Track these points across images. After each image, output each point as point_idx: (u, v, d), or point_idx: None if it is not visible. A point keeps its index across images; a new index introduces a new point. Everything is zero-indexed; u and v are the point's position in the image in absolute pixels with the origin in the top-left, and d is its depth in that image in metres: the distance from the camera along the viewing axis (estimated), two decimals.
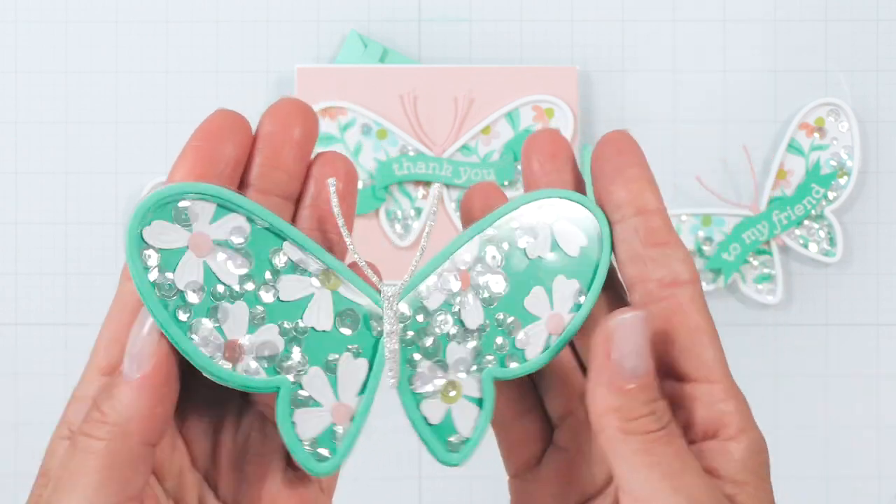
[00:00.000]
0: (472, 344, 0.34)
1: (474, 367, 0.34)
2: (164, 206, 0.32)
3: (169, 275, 0.32)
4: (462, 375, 0.34)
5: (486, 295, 0.35)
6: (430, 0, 0.77)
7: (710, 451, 0.32)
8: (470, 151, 0.75)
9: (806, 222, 0.76)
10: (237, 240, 0.32)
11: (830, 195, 0.76)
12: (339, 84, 0.75)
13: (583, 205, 0.34)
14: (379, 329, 0.34)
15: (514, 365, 0.35)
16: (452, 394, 0.34)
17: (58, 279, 0.77)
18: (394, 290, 0.34)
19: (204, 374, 0.32)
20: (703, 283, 0.76)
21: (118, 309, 0.32)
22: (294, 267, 0.33)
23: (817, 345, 0.78)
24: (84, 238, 0.77)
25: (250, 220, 0.32)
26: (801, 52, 0.77)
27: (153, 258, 0.31)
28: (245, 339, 0.32)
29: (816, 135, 0.77)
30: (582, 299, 0.35)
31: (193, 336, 0.31)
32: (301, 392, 0.33)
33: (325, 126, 0.75)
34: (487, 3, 0.77)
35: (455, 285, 0.35)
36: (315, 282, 0.33)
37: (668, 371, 0.33)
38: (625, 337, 0.31)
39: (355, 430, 0.33)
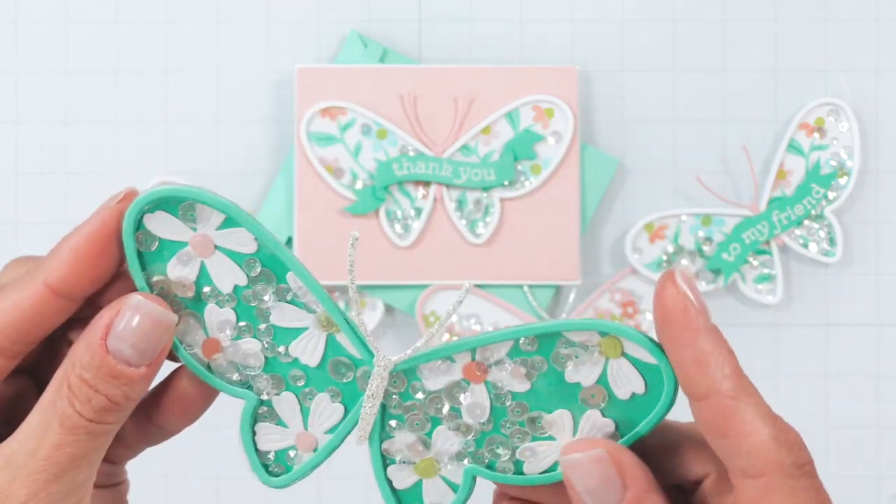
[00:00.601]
0: (465, 436, 0.33)
1: (459, 458, 0.33)
2: (171, 202, 0.32)
3: (161, 265, 0.32)
4: (445, 458, 0.33)
5: (499, 396, 0.33)
6: (430, 0, 0.77)
7: None
8: (470, 151, 0.75)
9: (806, 222, 0.76)
10: (241, 252, 0.32)
11: (830, 195, 0.76)
12: (339, 84, 0.75)
13: (653, 353, 0.31)
14: (363, 389, 0.33)
15: (505, 472, 0.33)
16: (428, 470, 0.34)
17: None
18: (387, 362, 0.32)
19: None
20: (703, 284, 0.76)
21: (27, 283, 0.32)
22: (293, 297, 0.33)
23: (817, 345, 0.78)
24: None
25: (258, 241, 0.32)
26: (801, 52, 0.77)
27: (151, 243, 0.32)
28: (227, 343, 0.33)
29: (816, 135, 0.77)
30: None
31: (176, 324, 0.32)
32: (267, 409, 0.34)
33: (325, 126, 0.75)
34: (487, 3, 0.77)
35: (467, 376, 0.33)
36: (312, 319, 0.33)
37: None
38: (580, 468, 0.31)
39: (315, 462, 0.34)
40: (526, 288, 0.76)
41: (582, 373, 0.32)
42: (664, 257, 0.76)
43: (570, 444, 0.32)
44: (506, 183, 0.75)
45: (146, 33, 0.77)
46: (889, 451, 0.77)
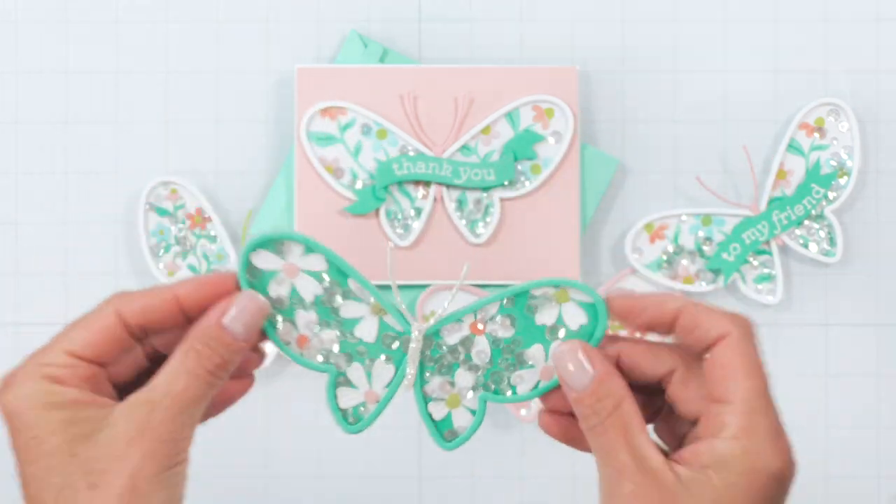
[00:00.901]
0: (476, 373, 0.47)
1: (475, 389, 0.48)
2: (268, 242, 0.45)
3: (263, 288, 0.46)
4: (465, 392, 0.48)
5: (495, 342, 0.47)
6: (430, 0, 0.77)
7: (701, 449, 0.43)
8: (470, 151, 0.75)
9: (806, 222, 0.76)
10: (317, 270, 0.46)
11: (830, 195, 0.76)
12: (339, 84, 0.75)
13: (589, 294, 0.46)
14: (406, 351, 0.47)
15: (507, 394, 0.47)
16: (454, 402, 0.48)
17: (57, 279, 0.77)
18: (421, 328, 0.46)
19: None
20: (703, 283, 0.76)
21: (98, 319, 0.44)
22: (354, 296, 0.47)
23: (817, 345, 0.78)
24: (84, 238, 0.77)
25: (328, 260, 0.46)
26: (801, 52, 0.77)
27: (256, 273, 0.46)
28: (312, 336, 0.47)
29: (816, 135, 0.77)
30: None
31: (278, 327, 0.46)
32: (344, 377, 0.47)
33: (325, 126, 0.75)
34: (487, 3, 0.77)
35: (472, 331, 0.47)
36: (367, 309, 0.47)
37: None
38: (562, 360, 0.44)
39: (379, 409, 0.47)
40: None
41: (545, 316, 0.46)
42: (664, 257, 0.76)
43: (555, 347, 0.46)
44: (506, 183, 0.75)
45: (146, 33, 0.77)
46: (889, 451, 0.77)
